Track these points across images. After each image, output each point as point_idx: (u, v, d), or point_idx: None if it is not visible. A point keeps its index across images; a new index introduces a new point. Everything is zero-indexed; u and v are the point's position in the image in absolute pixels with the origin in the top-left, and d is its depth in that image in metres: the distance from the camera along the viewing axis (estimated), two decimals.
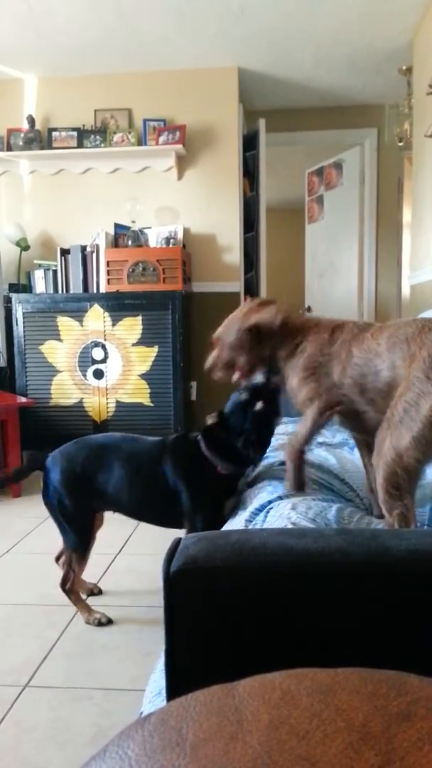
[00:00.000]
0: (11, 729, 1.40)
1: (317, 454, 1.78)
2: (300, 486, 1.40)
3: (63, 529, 1.91)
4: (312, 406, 1.34)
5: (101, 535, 2.65)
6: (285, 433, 2.18)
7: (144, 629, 1.86)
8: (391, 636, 0.71)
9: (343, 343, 1.31)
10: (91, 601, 2.04)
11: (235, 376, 1.54)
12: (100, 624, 1.90)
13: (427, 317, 1.22)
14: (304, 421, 1.36)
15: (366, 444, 1.40)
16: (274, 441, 1.89)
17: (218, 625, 0.73)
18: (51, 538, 2.46)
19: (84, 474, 1.85)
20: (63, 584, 1.93)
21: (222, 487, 1.71)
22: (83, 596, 2.03)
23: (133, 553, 2.49)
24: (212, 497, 1.71)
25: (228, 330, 1.50)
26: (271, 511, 1.34)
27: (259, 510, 1.38)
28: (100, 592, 2.14)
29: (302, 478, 1.41)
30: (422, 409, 1.07)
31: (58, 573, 2.28)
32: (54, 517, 1.92)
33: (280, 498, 1.38)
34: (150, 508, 1.86)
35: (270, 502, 1.39)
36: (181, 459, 1.77)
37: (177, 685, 0.73)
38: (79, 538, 1.90)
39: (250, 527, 1.37)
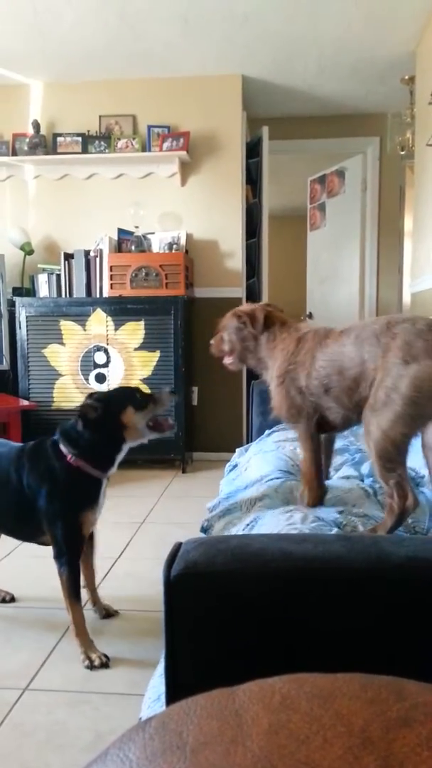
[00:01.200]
0: (10, 732, 1.40)
1: None
2: (316, 501, 1.49)
3: None
4: (295, 427, 1.51)
5: (101, 539, 2.65)
6: (285, 439, 2.19)
7: (144, 634, 1.86)
8: (390, 641, 0.71)
9: (307, 351, 1.43)
10: (98, 593, 2.04)
11: (226, 360, 1.70)
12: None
13: (390, 315, 1.35)
14: (300, 447, 1.53)
15: (321, 440, 1.55)
16: (273, 452, 1.90)
17: (218, 629, 0.73)
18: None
19: None
20: None
21: (81, 491, 1.68)
22: None
23: (134, 557, 2.49)
24: (70, 506, 1.67)
25: (227, 316, 1.69)
26: (268, 515, 1.36)
27: (256, 520, 1.40)
28: (12, 600, 2.10)
29: (317, 494, 1.50)
30: (401, 390, 1.19)
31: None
32: None
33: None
34: (4, 516, 1.79)
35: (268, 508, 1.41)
36: (38, 461, 1.71)
37: (176, 689, 0.73)
38: None
39: (247, 529, 1.38)
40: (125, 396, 1.74)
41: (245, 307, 1.68)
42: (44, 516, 1.68)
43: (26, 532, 1.80)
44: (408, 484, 1.22)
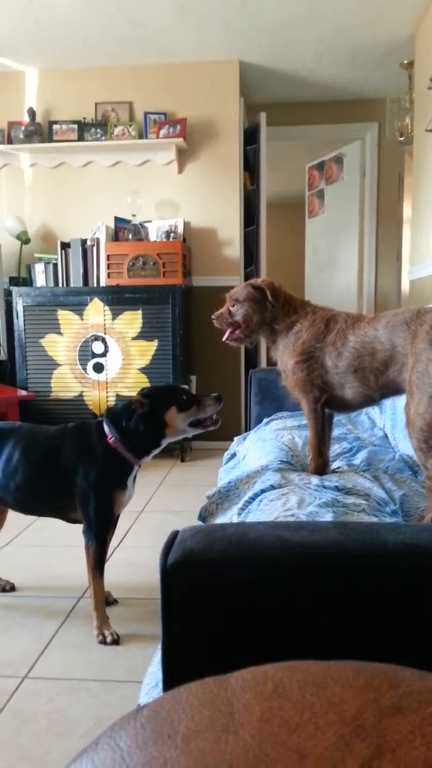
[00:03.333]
0: (10, 720, 1.40)
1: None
2: (320, 470, 1.62)
3: None
4: (304, 402, 1.59)
5: None
6: (284, 427, 2.18)
7: (142, 621, 1.87)
8: (385, 629, 0.71)
9: (339, 332, 1.51)
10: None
11: (228, 336, 1.74)
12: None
13: (422, 306, 1.42)
14: (307, 421, 1.62)
15: (328, 417, 1.66)
16: (274, 437, 1.89)
17: (215, 617, 0.73)
18: (50, 530, 2.47)
19: None
20: None
21: (116, 472, 1.77)
22: None
23: (132, 546, 2.50)
24: (105, 483, 1.76)
25: (240, 288, 1.72)
26: (264, 500, 1.36)
27: (252, 499, 1.41)
28: (12, 589, 2.12)
29: (321, 463, 1.62)
30: (431, 372, 1.26)
31: (58, 565, 2.29)
32: None
33: (273, 487, 1.46)
34: (39, 494, 1.85)
35: (263, 491, 1.44)
36: (81, 439, 1.80)
37: (173, 676, 0.73)
38: None
39: (243, 514, 1.39)
40: (171, 396, 1.80)
41: (258, 279, 1.72)
42: (78, 491, 1.76)
43: (56, 507, 1.85)
44: None
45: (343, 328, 1.51)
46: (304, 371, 1.55)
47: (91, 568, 1.77)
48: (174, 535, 0.77)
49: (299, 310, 1.64)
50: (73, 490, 1.77)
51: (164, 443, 1.83)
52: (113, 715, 1.42)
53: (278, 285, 1.70)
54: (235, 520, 1.40)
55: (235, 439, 2.50)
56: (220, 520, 1.57)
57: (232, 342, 1.75)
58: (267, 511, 1.32)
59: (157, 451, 1.84)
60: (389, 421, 2.12)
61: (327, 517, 1.23)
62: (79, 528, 1.81)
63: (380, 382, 1.43)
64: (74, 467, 1.76)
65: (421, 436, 1.29)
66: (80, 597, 2.04)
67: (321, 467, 1.62)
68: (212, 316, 1.77)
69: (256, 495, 1.43)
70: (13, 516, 2.29)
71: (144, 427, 1.75)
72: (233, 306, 1.71)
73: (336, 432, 2.07)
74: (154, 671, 1.04)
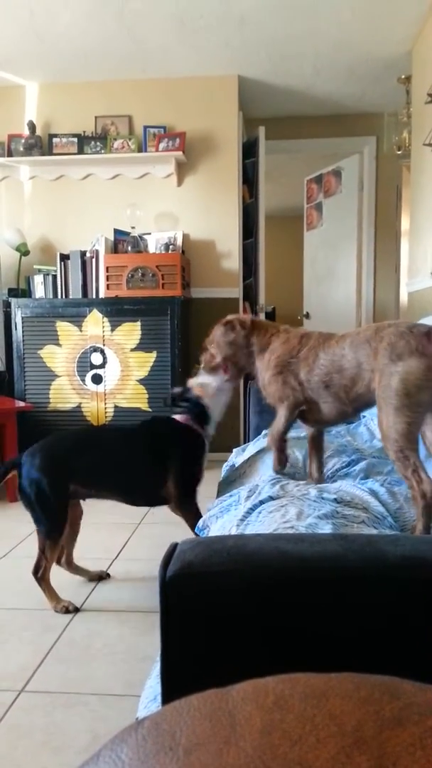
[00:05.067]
0: (6, 734, 1.39)
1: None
2: (283, 464, 1.71)
3: (37, 518, 2.00)
4: (282, 405, 1.64)
5: (98, 540, 2.65)
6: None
7: (140, 634, 1.86)
8: (385, 641, 0.71)
9: (311, 349, 1.59)
10: (95, 593, 2.04)
11: (225, 378, 1.91)
12: (67, 611, 2.00)
13: (380, 323, 1.50)
14: (278, 417, 1.67)
15: (313, 436, 1.73)
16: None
17: (214, 629, 0.73)
18: None
19: (65, 456, 2.03)
20: (35, 572, 2.01)
21: (195, 445, 2.10)
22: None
23: (130, 558, 2.49)
24: (193, 455, 2.09)
25: (213, 330, 1.84)
26: (263, 511, 1.36)
27: (251, 510, 1.41)
28: (108, 576, 2.30)
29: (284, 458, 1.72)
30: (393, 386, 1.35)
31: (55, 577, 2.28)
32: (30, 508, 2.00)
33: (271, 498, 1.48)
34: (132, 481, 2.10)
35: (261, 502, 1.44)
36: (158, 429, 2.14)
37: (172, 689, 0.73)
38: (53, 524, 1.98)
39: (242, 526, 1.38)
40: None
41: (229, 316, 1.84)
42: (171, 471, 2.06)
43: (150, 493, 2.13)
44: (424, 470, 1.34)
45: (315, 345, 1.59)
46: (279, 381, 1.63)
47: (193, 531, 1.98)
48: (173, 548, 0.77)
49: (273, 332, 1.73)
50: (165, 473, 2.07)
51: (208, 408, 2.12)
52: (111, 729, 1.41)
53: (245, 317, 1.79)
54: (234, 532, 1.40)
55: (234, 450, 2.50)
56: (219, 532, 1.57)
57: (231, 382, 1.91)
58: (266, 522, 1.32)
59: (212, 415, 2.15)
60: None
61: (326, 528, 1.23)
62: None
63: (351, 397, 1.52)
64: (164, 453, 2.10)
65: (396, 446, 1.35)
66: (77, 610, 2.03)
67: (283, 463, 1.71)
68: (201, 366, 1.92)
69: (255, 507, 1.43)
70: (9, 527, 2.29)
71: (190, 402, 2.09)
72: (213, 349, 1.82)
73: (335, 443, 2.07)
74: (153, 684, 1.03)
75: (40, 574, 2.00)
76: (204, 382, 2.09)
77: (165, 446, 2.09)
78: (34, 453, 2.02)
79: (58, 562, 2.16)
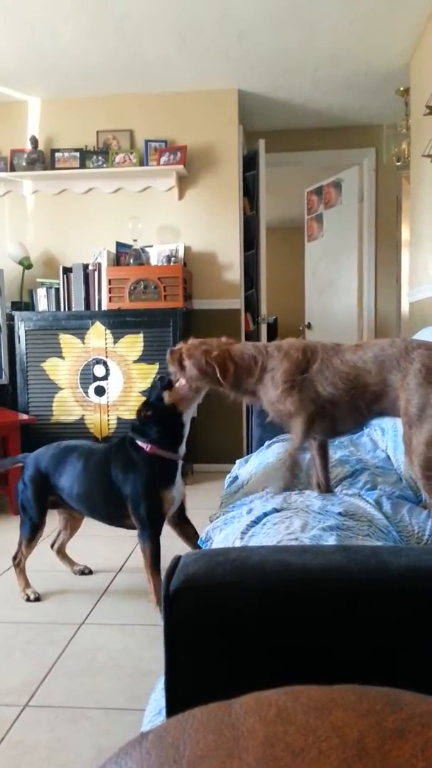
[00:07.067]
0: (10, 750, 1.39)
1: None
2: (290, 486, 1.66)
3: (21, 519, 2.24)
4: (297, 418, 1.56)
5: (102, 553, 2.64)
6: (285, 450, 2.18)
7: (144, 647, 1.85)
8: (389, 652, 0.71)
9: (323, 362, 1.54)
10: (99, 606, 2.03)
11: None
12: (28, 600, 2.20)
13: (405, 341, 1.50)
14: (294, 433, 1.59)
15: (320, 445, 1.69)
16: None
17: (218, 641, 0.73)
18: (51, 555, 2.46)
19: (45, 471, 2.17)
20: (13, 558, 2.26)
21: (159, 473, 1.99)
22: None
23: (134, 570, 2.48)
24: (151, 485, 1.98)
25: (189, 351, 1.78)
26: (267, 523, 1.36)
27: (255, 522, 1.41)
28: (90, 572, 2.45)
29: (294, 479, 1.67)
30: (429, 407, 1.37)
31: (59, 591, 2.28)
32: (18, 507, 2.26)
33: (276, 510, 1.46)
34: (95, 503, 2.12)
35: (265, 514, 1.44)
36: (122, 454, 2.06)
37: (177, 702, 0.73)
38: (30, 527, 2.21)
39: (245, 538, 1.38)
40: (158, 385, 2.04)
41: (211, 349, 1.68)
42: (129, 499, 2.01)
43: (114, 516, 2.11)
44: None
45: (327, 358, 1.54)
46: (294, 397, 1.54)
47: (148, 566, 1.99)
48: (177, 560, 0.78)
49: (261, 357, 1.61)
50: (124, 500, 2.02)
51: (186, 419, 2.02)
52: (116, 744, 1.40)
53: (222, 356, 1.64)
54: (238, 544, 1.40)
55: (237, 462, 2.50)
56: (222, 544, 1.57)
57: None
58: (270, 534, 1.32)
59: (186, 431, 2.02)
60: (391, 443, 2.12)
61: (331, 540, 1.23)
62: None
63: (371, 410, 1.52)
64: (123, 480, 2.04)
65: (426, 464, 1.38)
66: (81, 623, 2.03)
67: (292, 486, 1.66)
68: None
69: (259, 519, 1.42)
70: (13, 540, 2.29)
71: (161, 419, 1.98)
72: (187, 366, 1.76)
73: (338, 454, 2.07)
74: (158, 698, 1.03)
75: (17, 562, 2.26)
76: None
77: (124, 472, 2.03)
78: (31, 460, 2.24)
79: (51, 548, 2.45)
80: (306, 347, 1.59)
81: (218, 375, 1.61)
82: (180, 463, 2.04)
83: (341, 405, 1.52)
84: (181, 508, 2.18)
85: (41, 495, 2.19)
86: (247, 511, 1.56)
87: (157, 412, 1.99)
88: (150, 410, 2.00)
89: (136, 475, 1.99)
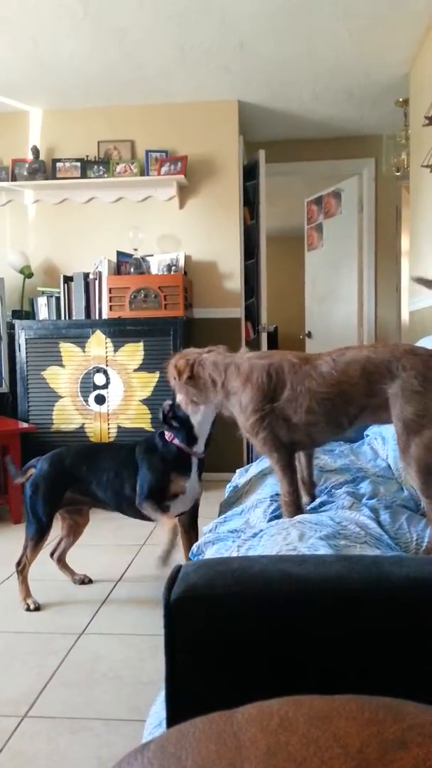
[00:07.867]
0: (9, 761, 1.38)
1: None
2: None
3: (28, 520, 2.23)
4: (272, 459, 1.54)
5: (102, 563, 2.64)
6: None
7: (145, 657, 1.84)
8: (390, 662, 0.70)
9: (296, 384, 1.47)
10: (99, 616, 2.02)
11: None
12: (28, 609, 2.18)
13: (390, 345, 1.47)
14: (280, 480, 1.56)
15: (306, 455, 1.67)
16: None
17: (218, 651, 0.73)
18: (51, 565, 2.45)
19: (69, 467, 2.21)
20: (17, 564, 2.24)
21: (174, 459, 2.08)
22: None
23: (134, 579, 2.47)
24: (163, 464, 2.08)
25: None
26: (264, 535, 1.36)
27: (253, 535, 1.41)
28: (90, 581, 2.44)
29: (299, 513, 1.55)
30: (427, 413, 1.36)
31: (58, 601, 2.27)
32: (26, 509, 2.24)
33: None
34: (121, 485, 2.15)
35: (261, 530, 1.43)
36: (147, 442, 2.17)
37: (178, 713, 0.73)
38: (38, 529, 2.21)
39: (242, 550, 1.38)
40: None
41: (175, 357, 1.80)
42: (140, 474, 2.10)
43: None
44: None
45: (298, 380, 1.47)
46: (266, 429, 1.50)
47: (160, 519, 2.07)
48: (177, 569, 0.78)
49: (221, 369, 1.61)
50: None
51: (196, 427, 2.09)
52: (116, 755, 1.40)
53: (181, 363, 1.72)
54: (236, 554, 1.40)
55: (237, 471, 2.50)
56: (216, 555, 1.56)
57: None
58: (268, 545, 1.32)
59: (199, 435, 2.10)
60: (392, 452, 2.12)
61: (328, 549, 1.23)
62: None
63: (353, 422, 1.48)
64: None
65: (426, 469, 1.37)
66: (80, 633, 2.02)
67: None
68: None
69: (256, 534, 1.42)
70: (13, 549, 2.28)
71: (179, 421, 2.06)
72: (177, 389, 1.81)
73: (339, 463, 2.07)
74: (158, 710, 1.02)
75: (20, 568, 2.23)
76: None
77: (145, 453, 2.15)
78: (47, 459, 2.26)
79: (51, 557, 2.44)
80: (269, 368, 1.49)
81: (175, 380, 1.71)
82: (195, 460, 2.12)
83: (319, 425, 1.48)
84: (194, 514, 2.25)
85: (56, 492, 2.21)
86: (245, 522, 1.56)
87: (174, 415, 2.10)
88: (171, 412, 2.10)
89: (153, 455, 2.12)
